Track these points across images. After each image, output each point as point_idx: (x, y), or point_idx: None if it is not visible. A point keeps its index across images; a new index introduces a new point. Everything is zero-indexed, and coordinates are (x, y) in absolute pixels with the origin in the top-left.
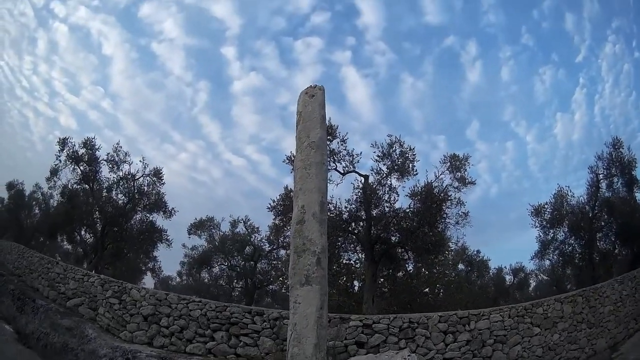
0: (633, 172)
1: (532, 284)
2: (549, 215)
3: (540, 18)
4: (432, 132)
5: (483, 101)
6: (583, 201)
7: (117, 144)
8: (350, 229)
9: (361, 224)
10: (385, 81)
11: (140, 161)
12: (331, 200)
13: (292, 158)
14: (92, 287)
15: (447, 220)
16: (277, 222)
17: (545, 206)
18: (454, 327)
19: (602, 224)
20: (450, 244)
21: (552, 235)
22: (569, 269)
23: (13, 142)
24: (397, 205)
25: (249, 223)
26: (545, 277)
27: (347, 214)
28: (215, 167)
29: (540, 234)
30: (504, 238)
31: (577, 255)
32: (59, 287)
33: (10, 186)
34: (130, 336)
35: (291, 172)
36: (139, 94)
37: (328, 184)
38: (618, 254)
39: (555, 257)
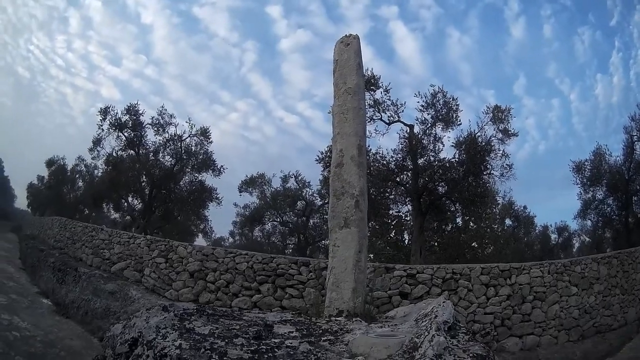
0: None
1: (576, 244)
2: (589, 173)
3: None
4: (481, 86)
5: (528, 57)
6: (620, 162)
7: (162, 107)
8: (397, 179)
9: (408, 174)
10: (433, 35)
11: (186, 122)
12: (378, 150)
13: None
14: (138, 248)
15: (492, 172)
16: (326, 173)
17: (585, 163)
18: (496, 280)
19: (638, 187)
20: (496, 197)
21: (592, 193)
22: (608, 232)
23: (51, 120)
24: (442, 155)
25: (300, 178)
26: (587, 239)
27: (393, 163)
28: (268, 125)
29: (581, 192)
30: (551, 196)
31: (615, 218)
32: (103, 253)
33: (50, 163)
34: (176, 294)
35: None
36: (184, 57)
37: (374, 134)
38: None
39: (595, 217)
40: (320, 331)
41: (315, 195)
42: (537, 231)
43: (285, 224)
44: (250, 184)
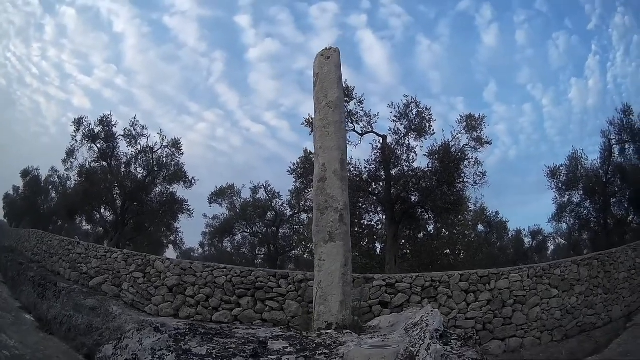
0: None
1: (550, 247)
2: (564, 178)
3: None
4: (450, 93)
5: (499, 64)
6: (597, 165)
7: (134, 118)
8: (370, 189)
9: (381, 184)
10: (402, 43)
11: (158, 133)
12: (350, 160)
13: (310, 120)
14: (115, 263)
15: (465, 180)
16: (298, 185)
17: (561, 168)
18: (475, 287)
19: (616, 189)
20: (469, 204)
21: (567, 197)
22: (585, 234)
23: (26, 129)
24: (415, 165)
25: (269, 188)
26: (562, 241)
27: (366, 174)
28: (235, 135)
29: (557, 196)
30: (523, 201)
31: (592, 220)
32: (80, 267)
33: (25, 173)
34: (155, 309)
35: (310, 134)
36: (153, 67)
37: (347, 145)
38: (632, 221)
39: (572, 220)
40: (314, 345)
41: (285, 205)
42: (510, 236)
43: (255, 235)
44: (220, 195)
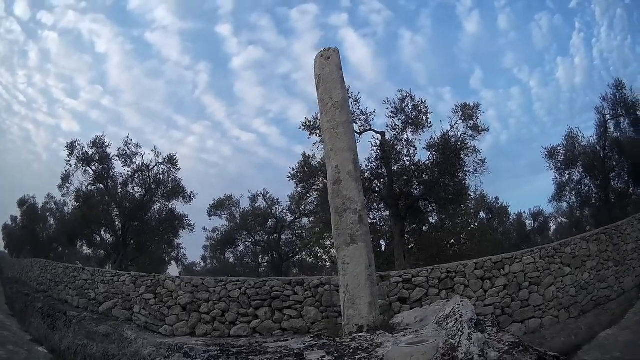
0: (638, 113)
1: (552, 227)
2: (562, 157)
3: None
4: (437, 84)
5: (483, 50)
6: (593, 142)
7: (127, 137)
8: (372, 187)
9: (382, 180)
10: (384, 39)
11: (152, 150)
12: None
13: (308, 123)
14: (124, 286)
15: (466, 169)
16: (299, 189)
17: (558, 148)
18: (490, 273)
19: (614, 164)
20: (470, 192)
21: (567, 176)
22: (587, 210)
23: (17, 157)
24: (416, 159)
25: (268, 196)
26: (564, 220)
27: (368, 172)
28: (224, 145)
29: (557, 176)
30: (516, 184)
31: (593, 196)
32: (88, 293)
33: (22, 202)
34: (170, 330)
35: (308, 138)
36: (138, 84)
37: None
38: (632, 193)
39: (573, 198)
40: (351, 350)
41: (285, 211)
42: (511, 220)
43: (257, 244)
44: (218, 206)
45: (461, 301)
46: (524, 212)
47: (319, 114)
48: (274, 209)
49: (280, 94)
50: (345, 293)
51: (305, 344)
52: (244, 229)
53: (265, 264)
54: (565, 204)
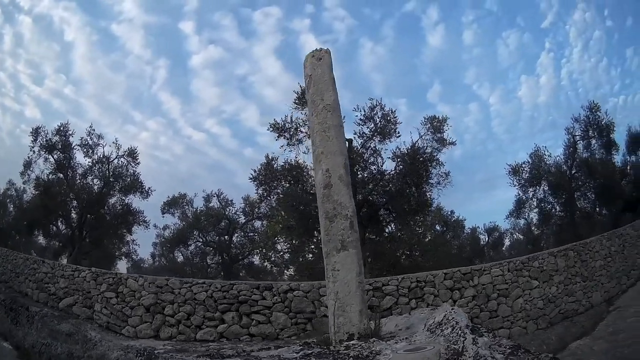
0: (611, 135)
1: (506, 243)
2: (527, 174)
3: None
4: (392, 95)
5: (445, 64)
6: (560, 161)
7: (90, 127)
8: None
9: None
10: (345, 47)
11: (113, 142)
12: None
13: (278, 125)
14: (84, 282)
15: (430, 180)
16: (260, 191)
17: (523, 165)
18: (459, 284)
19: (580, 183)
20: (432, 205)
21: (531, 193)
22: (547, 228)
23: None
24: (383, 167)
25: (222, 196)
26: (520, 236)
27: None
28: (177, 144)
29: (520, 192)
30: (470, 199)
31: (556, 214)
32: (48, 288)
33: None
34: (133, 331)
35: (277, 139)
36: (100, 76)
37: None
38: (598, 213)
39: (534, 215)
40: (351, 359)
41: (239, 213)
42: (465, 234)
43: (208, 244)
44: (172, 204)
45: (452, 309)
46: (479, 227)
47: (308, 115)
48: (228, 210)
49: (236, 95)
50: (336, 300)
51: (299, 353)
52: (196, 228)
53: (214, 265)
54: (523, 221)
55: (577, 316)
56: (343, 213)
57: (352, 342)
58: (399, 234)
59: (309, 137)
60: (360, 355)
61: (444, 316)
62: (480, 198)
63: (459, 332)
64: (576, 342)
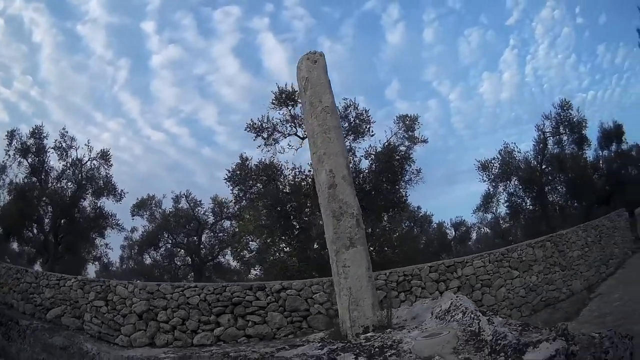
0: (583, 132)
1: (473, 237)
2: (497, 170)
3: None
4: (349, 93)
5: (404, 62)
6: (530, 156)
7: (64, 129)
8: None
9: None
10: (303, 46)
11: (86, 144)
12: (295, 165)
13: (255, 125)
14: (71, 291)
15: (405, 177)
16: (235, 191)
17: (493, 161)
18: (444, 276)
19: (550, 178)
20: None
21: (502, 188)
22: (516, 221)
23: None
24: (359, 166)
25: (190, 197)
26: (487, 230)
27: (310, 178)
28: (136, 144)
29: (490, 188)
30: (430, 195)
31: (526, 208)
32: (34, 298)
33: None
34: (127, 340)
35: (254, 140)
36: (64, 78)
37: (287, 149)
38: (570, 207)
39: (503, 209)
40: (377, 349)
41: (207, 214)
42: (431, 229)
43: (178, 245)
44: (141, 206)
45: (457, 296)
46: (445, 222)
47: (307, 117)
48: (196, 210)
49: (194, 95)
50: (349, 296)
51: (322, 349)
52: (166, 230)
53: (183, 266)
54: (490, 215)
55: (559, 303)
56: (349, 212)
57: (368, 334)
58: (372, 231)
59: (285, 137)
60: (385, 345)
61: (451, 303)
62: (442, 193)
63: (472, 315)
64: None
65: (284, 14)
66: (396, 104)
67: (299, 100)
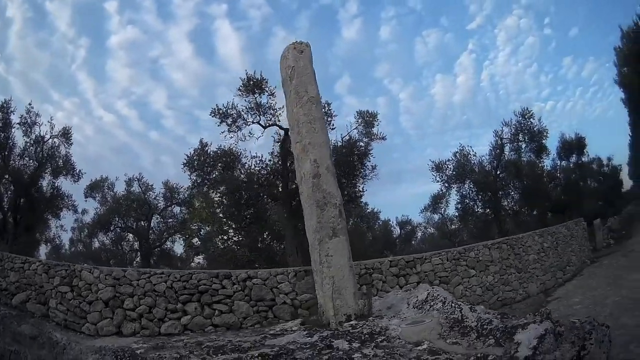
0: (543, 141)
1: (418, 236)
2: (453, 171)
3: None
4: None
5: (357, 57)
6: (486, 161)
7: (29, 104)
8: (268, 183)
9: (279, 177)
10: (257, 34)
11: (48, 121)
12: (256, 154)
13: (221, 110)
14: (36, 275)
15: (361, 173)
16: (194, 177)
17: (447, 163)
18: (404, 270)
19: (504, 183)
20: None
21: (456, 190)
22: (465, 224)
23: None
24: None
25: (142, 181)
26: (433, 230)
27: (269, 168)
28: (87, 124)
29: (443, 189)
30: (372, 192)
31: (477, 211)
32: None
33: None
34: (94, 329)
35: (218, 125)
36: (28, 54)
37: (249, 138)
38: (524, 213)
39: (453, 211)
40: (367, 335)
41: (158, 198)
42: (376, 226)
43: (128, 229)
44: (94, 188)
45: (433, 288)
46: (390, 220)
47: (291, 106)
48: (148, 194)
49: (146, 78)
50: (332, 284)
51: (312, 337)
52: (117, 213)
53: (131, 251)
54: (438, 216)
55: (516, 304)
56: (332, 202)
57: (352, 322)
58: None
59: (247, 125)
60: (374, 332)
61: (428, 294)
62: (383, 190)
63: (453, 304)
64: None
65: (242, 1)
66: (345, 98)
67: (267, 89)
